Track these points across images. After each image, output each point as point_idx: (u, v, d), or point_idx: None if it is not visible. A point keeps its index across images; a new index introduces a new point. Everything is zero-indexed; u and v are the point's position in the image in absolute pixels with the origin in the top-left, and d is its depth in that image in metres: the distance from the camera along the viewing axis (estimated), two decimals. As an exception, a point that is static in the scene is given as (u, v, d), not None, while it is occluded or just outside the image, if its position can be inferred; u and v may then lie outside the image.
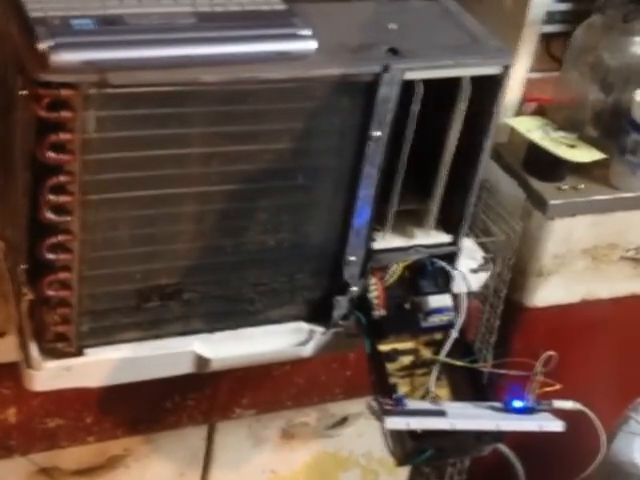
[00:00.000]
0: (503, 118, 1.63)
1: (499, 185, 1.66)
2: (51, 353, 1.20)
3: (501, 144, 1.66)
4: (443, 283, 1.32)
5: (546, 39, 1.64)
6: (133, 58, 1.07)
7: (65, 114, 1.06)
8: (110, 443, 1.46)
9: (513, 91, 1.62)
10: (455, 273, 1.33)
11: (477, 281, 1.45)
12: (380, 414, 1.16)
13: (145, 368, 1.25)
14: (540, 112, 1.68)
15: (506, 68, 1.24)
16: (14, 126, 1.13)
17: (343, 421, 1.64)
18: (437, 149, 1.27)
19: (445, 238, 1.34)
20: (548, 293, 1.67)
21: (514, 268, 1.61)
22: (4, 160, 1.23)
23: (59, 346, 1.20)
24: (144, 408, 1.42)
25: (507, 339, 1.69)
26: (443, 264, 1.32)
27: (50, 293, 1.15)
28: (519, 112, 1.67)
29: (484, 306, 1.61)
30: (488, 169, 1.65)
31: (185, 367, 1.26)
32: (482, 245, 1.53)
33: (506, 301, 1.63)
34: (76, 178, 1.10)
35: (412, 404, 1.21)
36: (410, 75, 1.19)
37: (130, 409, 1.42)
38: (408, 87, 1.19)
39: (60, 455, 1.44)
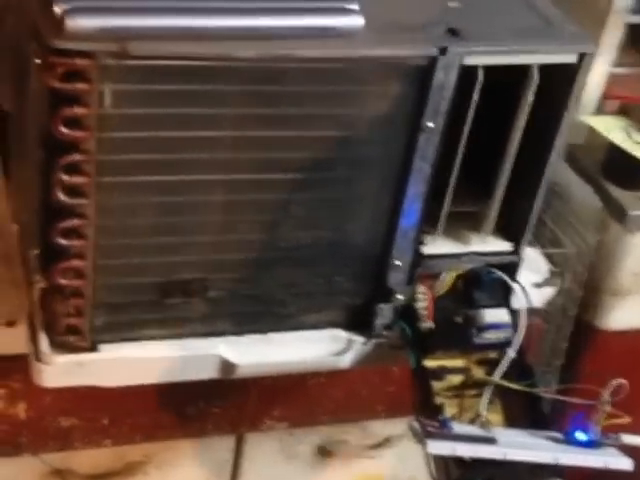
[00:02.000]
0: (580, 116, 1.52)
1: (572, 191, 1.55)
2: (62, 347, 1.13)
3: (577, 145, 1.56)
4: (500, 296, 1.22)
5: (633, 30, 1.53)
6: (157, 27, 0.99)
7: (80, 86, 0.99)
8: (129, 448, 1.40)
9: (593, 86, 1.52)
10: (515, 286, 1.22)
11: (541, 297, 1.35)
12: (422, 437, 1.08)
13: (164, 370, 1.17)
14: (623, 111, 1.57)
15: (583, 56, 1.13)
16: (28, 99, 1.07)
17: (385, 441, 1.56)
18: (499, 145, 1.17)
19: (505, 246, 1.24)
20: (625, 315, 1.57)
21: (586, 285, 1.51)
22: (20, 137, 1.16)
23: (71, 340, 1.13)
24: (165, 413, 1.36)
25: (576, 363, 1.58)
26: (501, 275, 1.22)
27: (62, 282, 1.09)
28: (599, 110, 1.57)
29: (549, 325, 1.50)
30: (561, 172, 1.54)
31: (208, 372, 1.18)
32: (549, 257, 1.43)
33: (576, 321, 1.54)
34: (92, 157, 1.03)
35: (459, 428, 1.12)
36: (470, 60, 1.09)
37: (150, 413, 1.35)
38: (468, 73, 1.09)
39: (75, 457, 1.39)
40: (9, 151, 1.23)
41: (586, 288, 1.51)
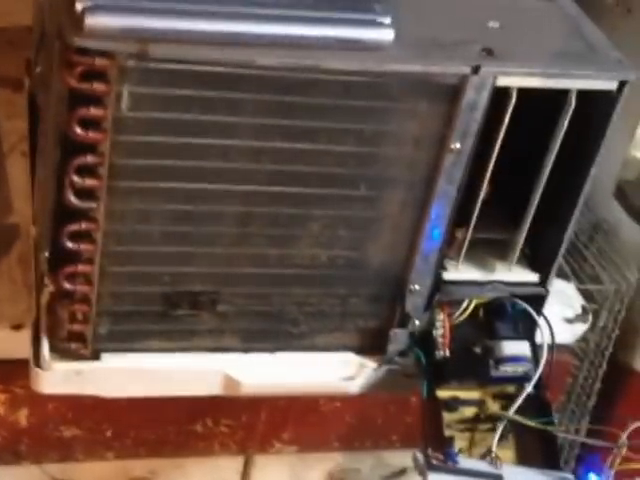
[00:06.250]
0: (633, 152, 1.51)
1: (618, 228, 1.55)
2: (63, 353, 1.15)
3: (628, 181, 1.56)
4: (523, 329, 1.22)
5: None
6: (180, 30, 1.00)
7: (98, 86, 1.01)
8: (134, 463, 1.41)
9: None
10: (539, 319, 1.22)
11: (572, 333, 1.35)
12: (424, 468, 1.09)
13: (166, 383, 1.18)
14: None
15: (623, 84, 1.13)
16: (50, 99, 1.09)
17: (400, 473, 1.55)
18: (531, 171, 1.17)
19: (531, 277, 1.23)
20: (663, 359, 1.56)
21: (625, 325, 1.51)
22: (43, 136, 1.19)
23: (73, 346, 1.15)
24: (171, 428, 1.37)
25: (609, 405, 1.56)
26: (526, 307, 1.22)
27: (67, 286, 1.11)
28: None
29: (582, 363, 1.50)
30: (608, 208, 1.54)
31: (211, 388, 1.19)
32: (587, 293, 1.43)
33: (612, 362, 1.53)
34: (105, 160, 1.05)
35: (465, 462, 1.12)
36: (504, 81, 1.10)
37: (155, 427, 1.36)
38: (501, 95, 1.10)
39: (77, 468, 1.40)
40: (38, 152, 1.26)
41: (624, 328, 1.51)
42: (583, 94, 1.13)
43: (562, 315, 1.34)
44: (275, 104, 1.06)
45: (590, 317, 1.38)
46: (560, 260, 1.23)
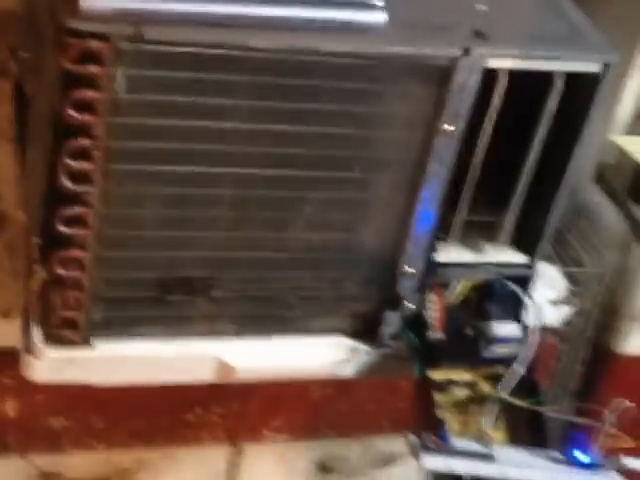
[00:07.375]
0: (612, 135, 1.55)
1: (598, 211, 1.59)
2: (56, 341, 1.16)
3: (607, 165, 1.60)
4: (513, 310, 1.26)
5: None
6: (174, 12, 1.03)
7: (93, 68, 1.03)
8: (122, 453, 1.43)
9: (626, 105, 1.55)
10: (527, 300, 1.25)
11: (556, 315, 1.38)
12: (418, 450, 1.11)
13: (160, 370, 1.20)
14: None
15: (607, 66, 1.17)
16: (44, 82, 1.11)
17: (390, 459, 1.58)
18: (519, 155, 1.21)
19: (519, 258, 1.28)
20: (643, 340, 1.60)
21: (606, 308, 1.55)
22: (35, 121, 1.20)
23: (65, 333, 1.16)
24: (162, 417, 1.38)
25: (591, 387, 1.61)
26: (515, 288, 1.26)
27: (60, 272, 1.12)
28: (633, 131, 1.60)
29: (565, 345, 1.54)
30: (588, 191, 1.58)
31: (206, 374, 1.22)
32: (570, 276, 1.46)
33: (594, 345, 1.57)
34: (100, 143, 1.06)
35: (458, 443, 1.16)
36: (494, 63, 1.13)
37: (146, 417, 1.38)
38: (492, 77, 1.14)
39: (64, 460, 1.41)
40: (27, 138, 1.27)
41: (606, 311, 1.55)
42: (568, 76, 1.17)
43: (548, 298, 1.38)
44: (269, 86, 1.09)
45: (575, 300, 1.42)
46: (546, 242, 1.27)
